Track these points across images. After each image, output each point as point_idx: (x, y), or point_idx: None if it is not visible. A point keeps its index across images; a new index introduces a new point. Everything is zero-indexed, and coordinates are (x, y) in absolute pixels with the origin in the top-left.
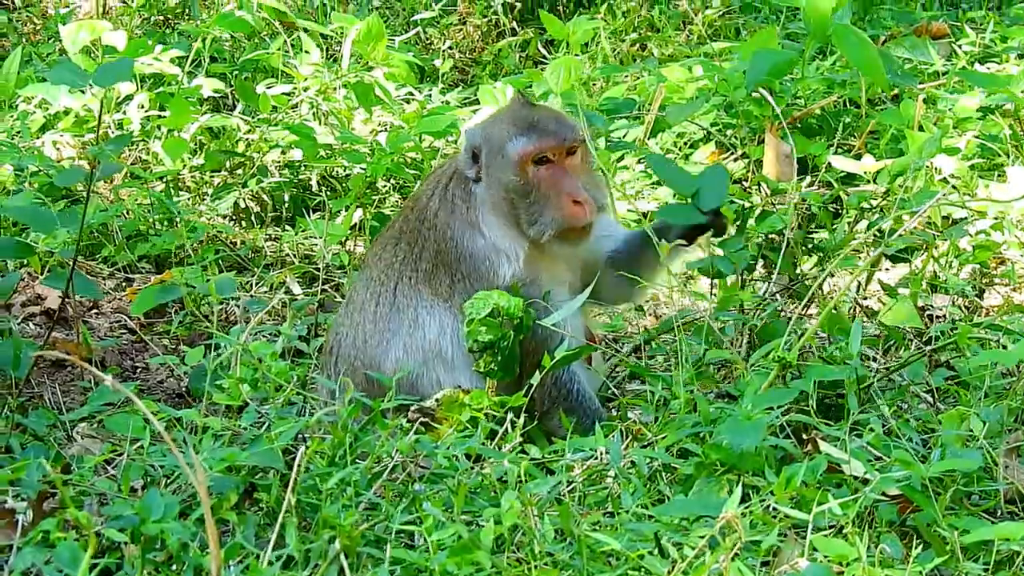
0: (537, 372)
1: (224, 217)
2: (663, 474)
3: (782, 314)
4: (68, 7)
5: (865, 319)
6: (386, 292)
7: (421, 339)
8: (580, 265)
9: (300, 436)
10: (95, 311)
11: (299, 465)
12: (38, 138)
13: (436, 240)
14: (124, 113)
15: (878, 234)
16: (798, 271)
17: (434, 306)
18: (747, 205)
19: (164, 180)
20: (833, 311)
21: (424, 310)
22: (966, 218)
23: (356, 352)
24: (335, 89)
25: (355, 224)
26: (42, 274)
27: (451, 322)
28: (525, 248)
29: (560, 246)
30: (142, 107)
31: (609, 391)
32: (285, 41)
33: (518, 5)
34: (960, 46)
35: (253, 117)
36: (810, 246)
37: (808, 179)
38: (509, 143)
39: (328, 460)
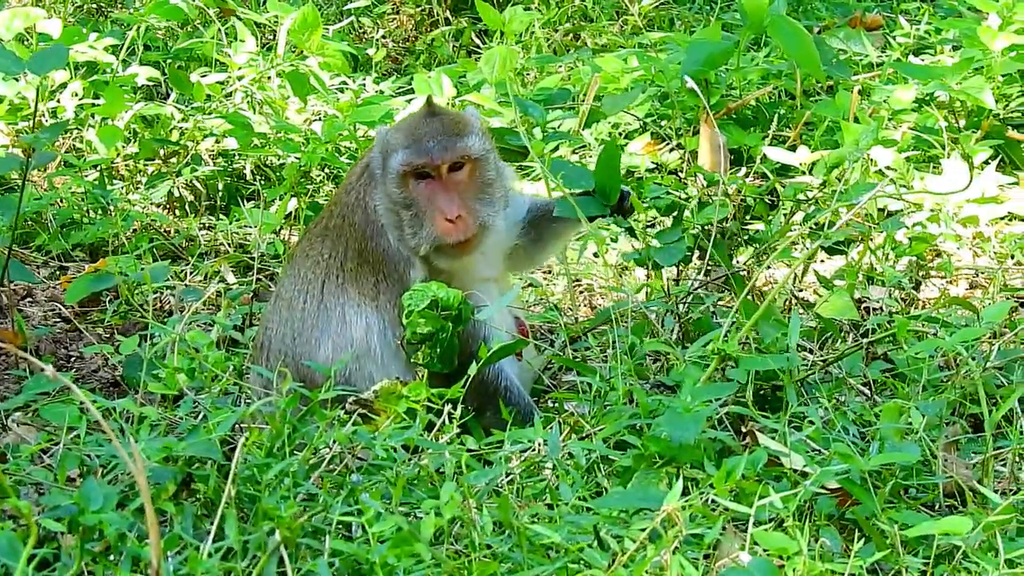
0: (473, 365)
1: (158, 206)
2: (601, 466)
3: (717, 305)
4: None
5: (801, 311)
6: (313, 289)
7: (349, 338)
8: (500, 259)
9: (237, 427)
10: (29, 299)
11: (239, 456)
12: None
13: (357, 240)
14: (58, 101)
15: (814, 226)
16: (734, 263)
17: (361, 304)
18: (683, 196)
19: (98, 168)
20: (766, 304)
21: (351, 309)
22: (902, 210)
23: (286, 348)
24: (270, 78)
25: (289, 213)
26: None
27: (377, 321)
28: (418, 256)
29: (443, 260)
30: (76, 95)
31: (544, 384)
32: (219, 29)
33: None
34: (894, 37)
35: (187, 106)
36: (746, 238)
37: (743, 170)
38: (393, 155)
39: (266, 451)
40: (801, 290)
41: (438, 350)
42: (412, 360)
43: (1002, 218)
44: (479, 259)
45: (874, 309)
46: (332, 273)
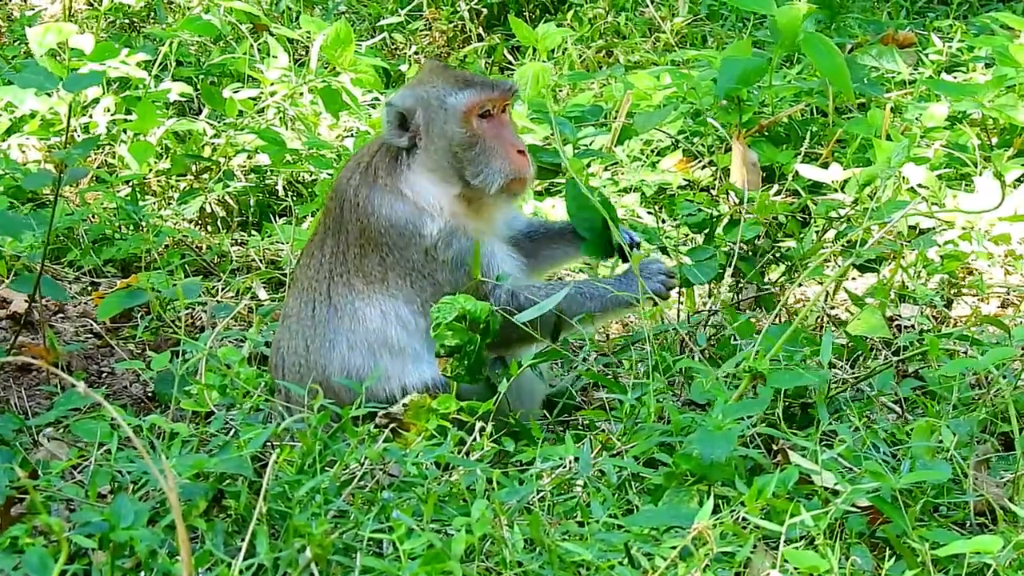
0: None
1: (190, 222)
2: (632, 484)
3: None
4: (33, 10)
5: (833, 329)
6: (319, 296)
7: (363, 331)
8: (500, 233)
9: (268, 443)
10: (61, 315)
11: (270, 473)
12: (3, 141)
13: (359, 219)
14: (90, 117)
15: (846, 244)
16: (766, 281)
17: (371, 294)
18: (715, 214)
19: (130, 184)
20: (798, 322)
21: (361, 301)
22: (934, 228)
23: (300, 360)
24: (302, 94)
25: None
26: (8, 278)
27: (392, 305)
28: (451, 198)
29: (502, 198)
30: (108, 111)
31: (575, 401)
32: (252, 45)
33: (484, 11)
34: (927, 55)
35: (219, 121)
36: (778, 255)
37: (775, 188)
38: (451, 97)
39: (297, 468)
40: (832, 308)
41: (466, 362)
42: (440, 372)
43: None
44: (491, 218)
45: (906, 327)
46: (337, 272)
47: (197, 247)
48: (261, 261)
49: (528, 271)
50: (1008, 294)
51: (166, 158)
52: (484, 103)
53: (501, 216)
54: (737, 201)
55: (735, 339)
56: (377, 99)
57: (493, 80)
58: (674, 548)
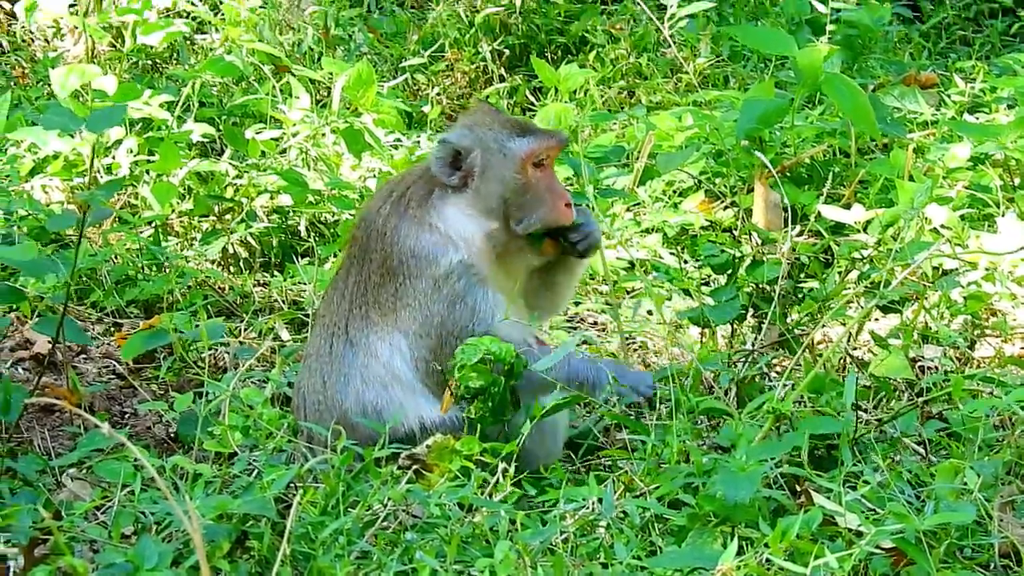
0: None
1: (213, 262)
2: (656, 525)
3: (772, 365)
4: (56, 51)
5: (856, 370)
6: (339, 331)
7: (375, 366)
8: (524, 273)
9: (292, 484)
10: (83, 356)
11: (294, 514)
12: (27, 182)
13: (383, 247)
14: (113, 158)
15: (869, 285)
16: (788, 321)
17: (384, 327)
18: (737, 254)
19: (153, 225)
20: (821, 364)
21: (375, 335)
22: (957, 269)
23: (317, 396)
24: (324, 135)
25: None
26: (31, 318)
27: (398, 340)
28: (482, 236)
29: (532, 251)
30: (131, 151)
31: (598, 441)
32: (274, 86)
33: (506, 52)
34: (949, 96)
35: (242, 162)
36: (800, 296)
37: (797, 228)
38: (512, 143)
39: (321, 509)
40: (855, 348)
41: (490, 404)
42: (464, 414)
43: None
44: (514, 264)
45: (929, 368)
46: (356, 304)
47: (220, 288)
48: (283, 302)
49: (549, 296)
50: None
51: (189, 199)
52: (542, 151)
53: (525, 271)
54: (760, 242)
55: (765, 378)
56: (399, 140)
57: (549, 129)
58: None
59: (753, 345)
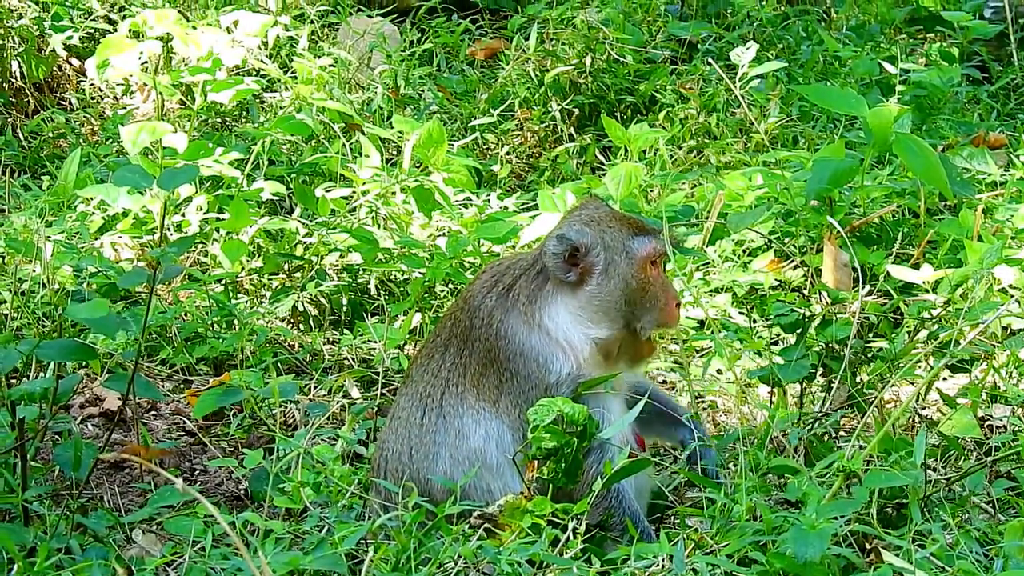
0: (598, 481)
1: (282, 320)
2: None
3: (841, 423)
4: (125, 109)
5: (925, 429)
6: (432, 403)
7: (467, 449)
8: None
9: (363, 541)
10: (153, 413)
11: (366, 570)
12: (97, 239)
13: (488, 339)
14: (183, 215)
15: (938, 344)
16: (858, 381)
17: (480, 411)
18: (807, 314)
19: (222, 283)
20: (891, 424)
21: (470, 418)
22: None
23: (402, 467)
24: (394, 193)
25: (414, 328)
26: (101, 375)
27: (497, 427)
28: (591, 343)
29: (639, 344)
30: (200, 209)
31: (667, 499)
32: (344, 144)
33: (575, 112)
34: (1018, 156)
35: (312, 220)
36: (870, 355)
37: (867, 288)
38: (633, 243)
39: (392, 565)
40: (924, 408)
41: (563, 465)
42: (536, 475)
43: None
44: (622, 382)
45: (997, 427)
46: (452, 382)
47: (289, 346)
48: (353, 360)
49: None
50: None
51: (258, 257)
52: (660, 251)
53: (629, 374)
54: (829, 301)
55: (834, 438)
56: (469, 199)
57: (661, 229)
58: None
59: (823, 406)
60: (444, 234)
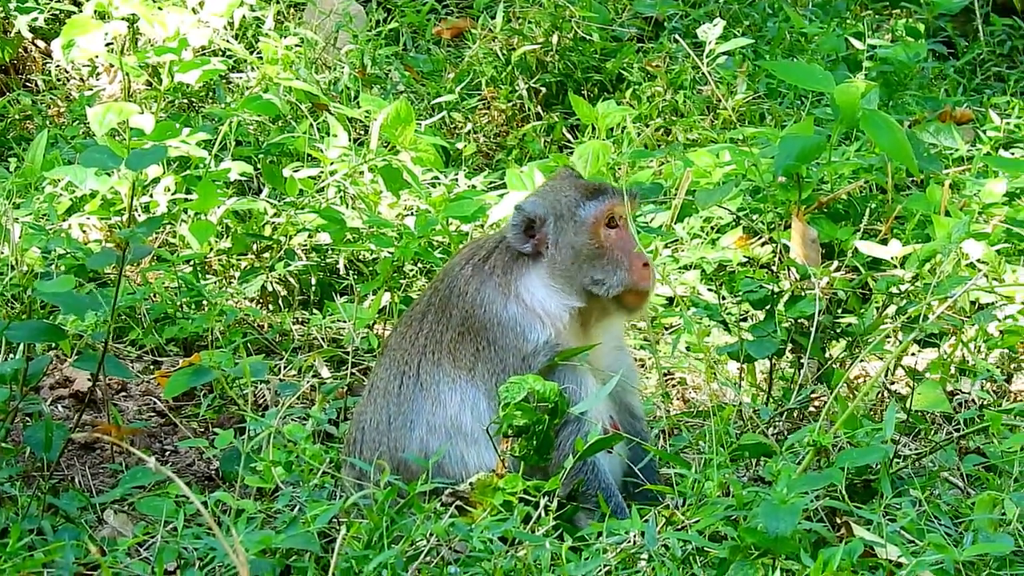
0: (570, 458)
1: (251, 300)
2: (697, 558)
3: (811, 399)
4: (92, 90)
5: (894, 404)
6: (409, 371)
7: (443, 416)
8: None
9: (335, 519)
10: (123, 394)
11: (338, 548)
12: (65, 221)
13: (464, 308)
14: (151, 196)
15: (907, 320)
16: (827, 356)
17: (456, 379)
18: (775, 290)
19: (191, 263)
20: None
21: (446, 385)
22: (994, 303)
23: (380, 436)
24: (362, 173)
25: (383, 308)
26: (71, 356)
27: (472, 394)
28: (567, 312)
29: (617, 310)
30: (168, 190)
31: (638, 477)
32: (312, 124)
33: (543, 90)
34: (984, 131)
35: (280, 200)
36: (838, 331)
37: (835, 264)
38: (581, 207)
39: (364, 543)
40: (893, 383)
41: (534, 442)
42: (508, 452)
43: None
44: (603, 354)
45: (966, 402)
46: (429, 349)
47: (259, 326)
48: (323, 340)
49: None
50: None
51: (227, 237)
52: (612, 210)
53: (611, 340)
54: (797, 277)
55: (800, 415)
56: (437, 177)
57: (620, 187)
58: None
59: (793, 381)
60: (412, 213)
